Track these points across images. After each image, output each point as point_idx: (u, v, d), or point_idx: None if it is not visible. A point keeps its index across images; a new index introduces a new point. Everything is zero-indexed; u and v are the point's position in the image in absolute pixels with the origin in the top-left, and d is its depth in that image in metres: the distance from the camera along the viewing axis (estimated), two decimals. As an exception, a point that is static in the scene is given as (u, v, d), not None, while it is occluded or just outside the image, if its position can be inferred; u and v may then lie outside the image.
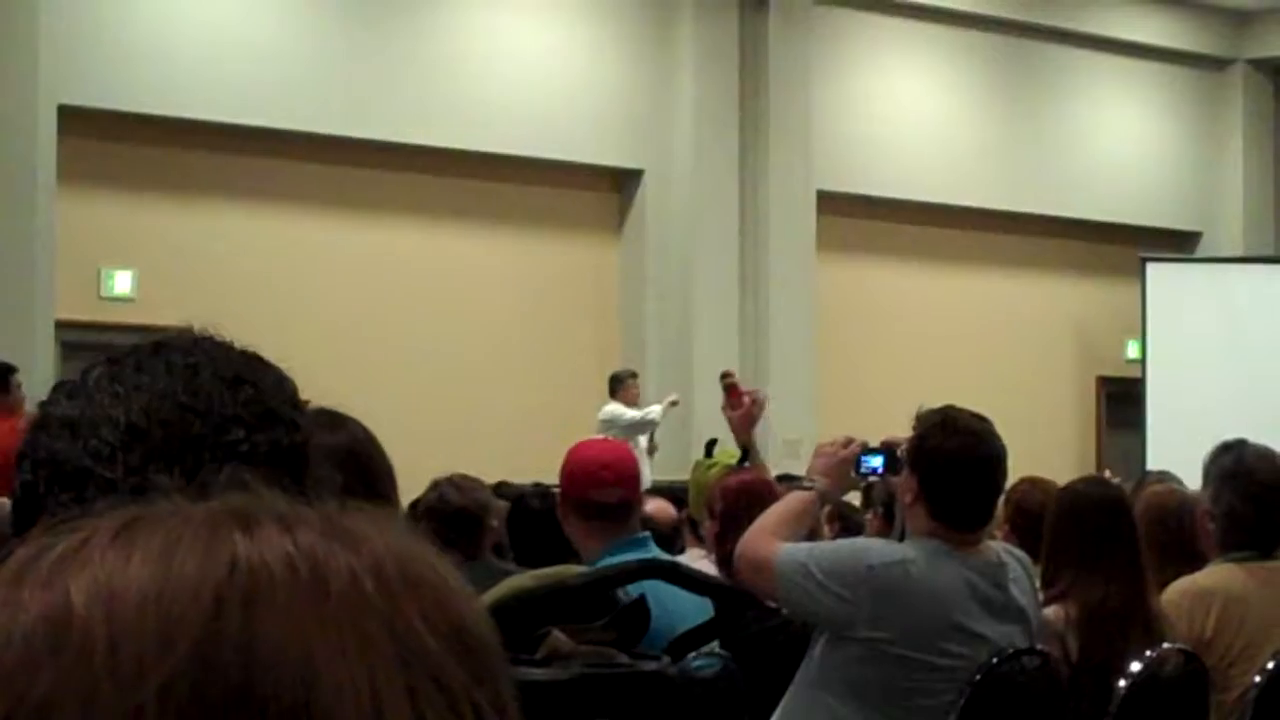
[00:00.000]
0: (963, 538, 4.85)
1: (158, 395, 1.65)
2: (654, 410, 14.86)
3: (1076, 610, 5.43)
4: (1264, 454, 5.96)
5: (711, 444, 7.86)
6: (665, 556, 5.49)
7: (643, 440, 14.79)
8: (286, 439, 1.66)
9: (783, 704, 4.96)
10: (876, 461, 5.10)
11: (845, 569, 4.74)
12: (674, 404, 14.90)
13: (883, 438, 5.14)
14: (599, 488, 5.39)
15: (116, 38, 13.85)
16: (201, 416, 1.64)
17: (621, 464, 5.57)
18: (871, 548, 4.86)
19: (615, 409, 14.92)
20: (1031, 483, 6.61)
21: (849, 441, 5.15)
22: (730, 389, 6.82)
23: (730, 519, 6.11)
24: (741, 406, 6.80)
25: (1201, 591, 5.73)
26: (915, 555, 4.77)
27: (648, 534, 5.76)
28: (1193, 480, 7.45)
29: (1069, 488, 5.88)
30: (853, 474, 5.15)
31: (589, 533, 5.37)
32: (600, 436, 14.52)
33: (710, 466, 7.35)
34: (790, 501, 5.09)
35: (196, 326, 1.76)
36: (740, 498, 6.09)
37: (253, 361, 1.72)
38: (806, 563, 4.76)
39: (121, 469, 1.61)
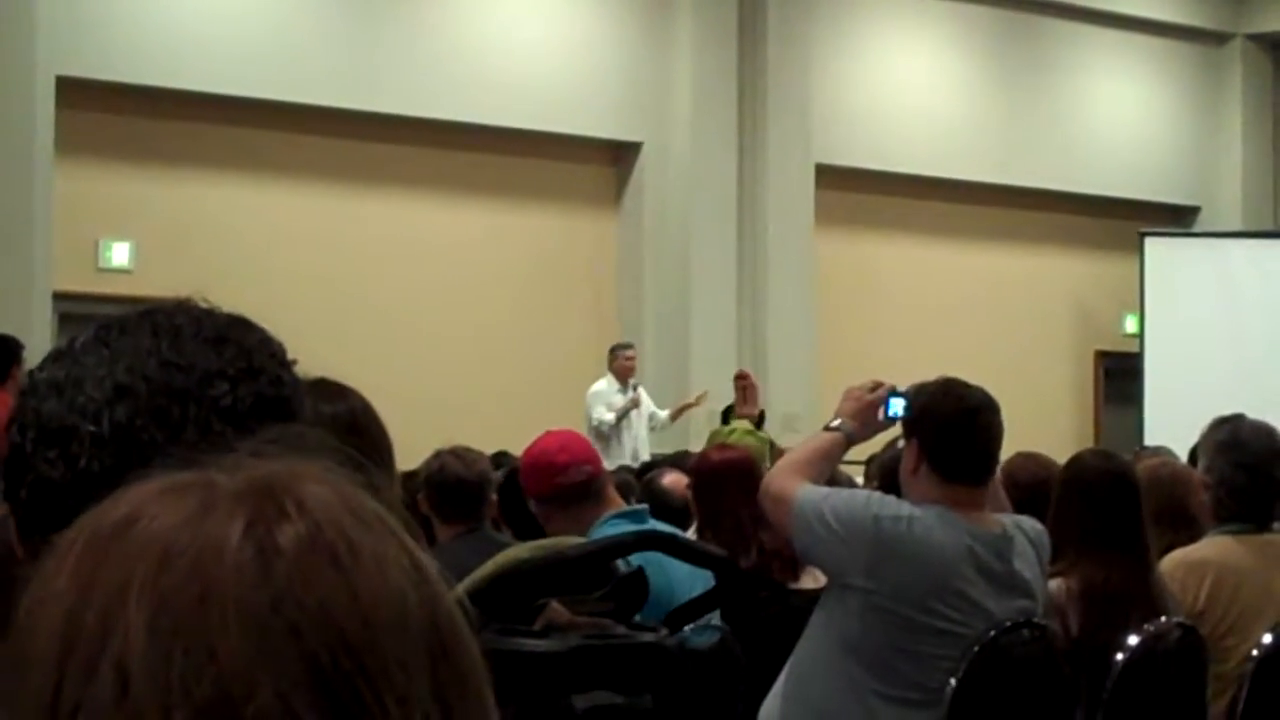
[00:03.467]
0: (969, 496, 4.91)
1: (142, 354, 1.67)
2: (608, 417, 14.59)
3: (1079, 585, 5.43)
4: (1259, 428, 5.97)
5: (728, 411, 7.87)
6: (663, 527, 5.52)
7: (640, 415, 14.74)
8: (271, 391, 1.68)
9: (787, 666, 5.01)
10: (904, 406, 5.15)
11: (852, 515, 4.84)
12: (635, 404, 14.74)
13: (910, 383, 5.21)
14: (563, 472, 5.45)
15: (114, 8, 13.82)
16: (185, 372, 1.66)
17: (573, 443, 5.69)
18: (884, 501, 4.92)
19: (596, 390, 14.80)
20: (1025, 456, 6.60)
21: (877, 385, 5.21)
22: (745, 389, 6.94)
23: (710, 500, 6.11)
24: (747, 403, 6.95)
25: (1195, 562, 5.74)
26: (921, 514, 4.86)
27: (644, 506, 5.77)
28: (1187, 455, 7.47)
29: (1075, 460, 5.85)
30: (880, 417, 5.19)
31: (575, 518, 5.39)
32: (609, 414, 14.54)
33: (730, 433, 7.35)
34: (818, 440, 5.19)
35: (193, 297, 1.77)
36: (716, 478, 6.10)
37: (237, 322, 1.75)
38: (820, 504, 4.87)
39: (108, 424, 1.63)
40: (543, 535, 5.48)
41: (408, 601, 0.96)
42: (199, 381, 1.66)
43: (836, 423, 5.18)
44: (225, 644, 0.91)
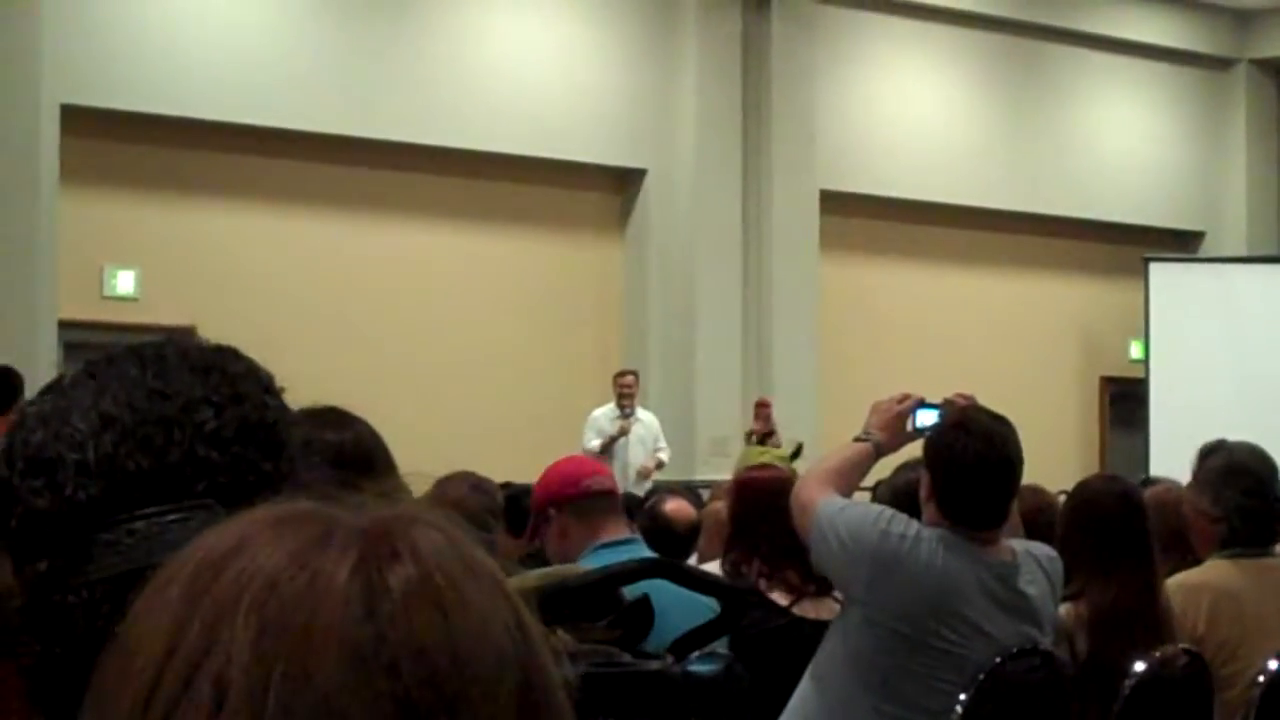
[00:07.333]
0: (974, 535, 4.89)
1: (129, 384, 1.70)
2: (593, 444, 14.55)
3: (1088, 610, 5.41)
4: (1253, 450, 5.93)
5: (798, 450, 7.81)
6: (648, 554, 5.52)
7: (631, 442, 14.66)
8: (255, 417, 1.70)
9: (799, 685, 5.01)
10: (932, 418, 5.13)
11: (861, 530, 4.84)
12: (624, 433, 14.72)
13: (944, 396, 5.20)
14: (589, 477, 5.50)
15: (119, 37, 13.85)
16: (169, 399, 1.69)
17: (594, 464, 5.85)
18: (894, 517, 4.90)
19: (592, 415, 14.79)
20: (1024, 487, 6.57)
21: (905, 397, 5.21)
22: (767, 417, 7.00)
23: (745, 518, 6.05)
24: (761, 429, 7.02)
25: (1193, 587, 5.71)
26: (929, 536, 4.85)
27: (638, 536, 5.75)
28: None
29: (1083, 486, 5.84)
30: (908, 428, 5.19)
31: (592, 532, 5.39)
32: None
33: (762, 454, 7.30)
34: (847, 450, 5.19)
35: (198, 327, 1.80)
36: (759, 496, 6.04)
37: (224, 352, 1.77)
38: (836, 517, 4.88)
39: (93, 453, 1.64)
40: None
41: (505, 657, 0.98)
42: (183, 408, 1.68)
43: (865, 434, 5.18)
44: (324, 673, 0.93)
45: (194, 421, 1.67)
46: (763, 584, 5.77)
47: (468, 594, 0.98)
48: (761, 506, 5.96)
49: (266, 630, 0.94)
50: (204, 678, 0.94)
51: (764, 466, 6.63)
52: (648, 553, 5.53)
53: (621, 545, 5.39)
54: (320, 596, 0.95)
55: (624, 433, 14.58)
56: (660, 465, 14.61)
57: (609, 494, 5.57)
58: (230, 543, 0.99)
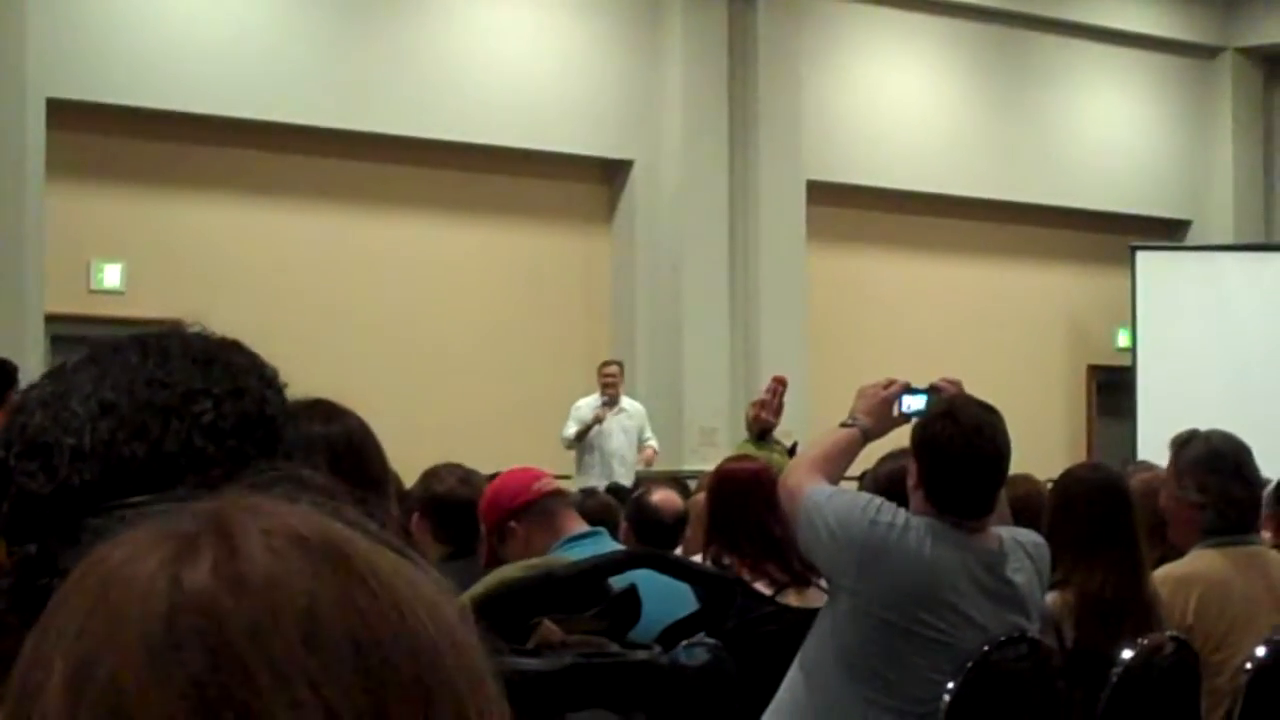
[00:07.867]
0: (961, 524, 4.89)
1: (130, 372, 1.71)
2: (568, 432, 14.50)
3: (1075, 597, 5.43)
4: (1228, 437, 5.93)
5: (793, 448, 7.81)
6: (615, 545, 5.54)
7: (612, 432, 14.56)
8: (255, 410, 1.70)
9: (787, 675, 5.02)
10: (919, 403, 5.13)
11: (849, 518, 4.85)
12: (598, 421, 14.61)
13: (931, 380, 5.21)
14: (537, 480, 5.50)
15: (105, 30, 13.83)
16: (169, 389, 1.69)
17: (532, 469, 5.77)
18: (883, 506, 4.91)
19: (574, 405, 14.71)
20: (1012, 476, 6.58)
21: (891, 382, 5.21)
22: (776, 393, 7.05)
23: (722, 510, 6.05)
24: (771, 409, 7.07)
25: (1180, 578, 5.72)
26: (917, 524, 4.86)
27: (600, 529, 5.75)
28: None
29: (1068, 474, 5.86)
30: (895, 413, 5.19)
31: (550, 529, 5.39)
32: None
33: (758, 449, 7.27)
34: (835, 436, 5.19)
35: (187, 320, 1.80)
36: (737, 487, 6.03)
37: (228, 345, 1.78)
38: (824, 505, 4.89)
39: (89, 438, 1.65)
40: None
41: (332, 626, 0.94)
42: (182, 398, 1.68)
43: (852, 419, 5.18)
44: (132, 677, 0.92)
45: (192, 412, 1.68)
46: (745, 574, 5.77)
47: (268, 566, 0.95)
48: (739, 498, 5.97)
49: (79, 653, 0.94)
50: (36, 715, 0.94)
51: (745, 458, 6.61)
52: (613, 544, 5.54)
53: (587, 538, 5.39)
54: (124, 605, 0.95)
55: (599, 420, 14.51)
56: (655, 454, 14.59)
57: (560, 492, 5.61)
58: (83, 567, 0.99)
